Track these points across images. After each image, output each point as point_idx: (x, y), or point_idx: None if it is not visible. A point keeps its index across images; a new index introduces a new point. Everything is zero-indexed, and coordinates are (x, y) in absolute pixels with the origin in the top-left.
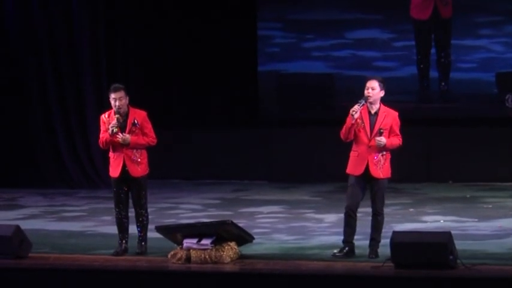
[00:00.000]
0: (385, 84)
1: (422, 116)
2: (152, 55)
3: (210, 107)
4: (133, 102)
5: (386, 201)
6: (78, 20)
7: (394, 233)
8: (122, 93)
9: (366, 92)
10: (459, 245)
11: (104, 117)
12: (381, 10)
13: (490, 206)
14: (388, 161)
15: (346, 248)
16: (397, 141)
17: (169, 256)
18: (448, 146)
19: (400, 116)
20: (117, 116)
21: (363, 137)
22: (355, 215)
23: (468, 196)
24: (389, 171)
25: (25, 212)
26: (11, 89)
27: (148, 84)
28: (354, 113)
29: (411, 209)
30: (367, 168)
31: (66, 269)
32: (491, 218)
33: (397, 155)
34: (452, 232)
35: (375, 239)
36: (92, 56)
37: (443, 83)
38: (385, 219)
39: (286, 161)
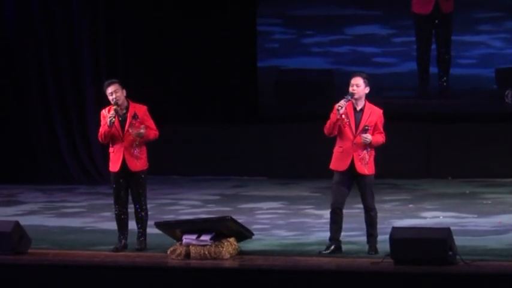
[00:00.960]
0: (369, 80)
1: (421, 112)
2: (152, 52)
3: (210, 102)
4: (133, 99)
5: (386, 197)
6: (78, 20)
7: (394, 229)
8: (116, 86)
9: (350, 88)
10: (458, 241)
11: (104, 112)
12: (380, 6)
13: (490, 202)
14: (373, 157)
15: (333, 246)
16: (381, 138)
17: (168, 252)
18: (448, 142)
19: (385, 113)
20: (115, 107)
21: (348, 133)
22: (341, 212)
23: (467, 192)
24: (374, 168)
25: (24, 208)
26: (11, 85)
27: (148, 80)
28: (339, 107)
29: (410, 205)
30: (352, 165)
31: (65, 265)
32: (491, 214)
33: (396, 151)
34: (452, 228)
35: (372, 235)
36: (92, 52)
37: (443, 79)
38: (385, 215)
39: (286, 156)
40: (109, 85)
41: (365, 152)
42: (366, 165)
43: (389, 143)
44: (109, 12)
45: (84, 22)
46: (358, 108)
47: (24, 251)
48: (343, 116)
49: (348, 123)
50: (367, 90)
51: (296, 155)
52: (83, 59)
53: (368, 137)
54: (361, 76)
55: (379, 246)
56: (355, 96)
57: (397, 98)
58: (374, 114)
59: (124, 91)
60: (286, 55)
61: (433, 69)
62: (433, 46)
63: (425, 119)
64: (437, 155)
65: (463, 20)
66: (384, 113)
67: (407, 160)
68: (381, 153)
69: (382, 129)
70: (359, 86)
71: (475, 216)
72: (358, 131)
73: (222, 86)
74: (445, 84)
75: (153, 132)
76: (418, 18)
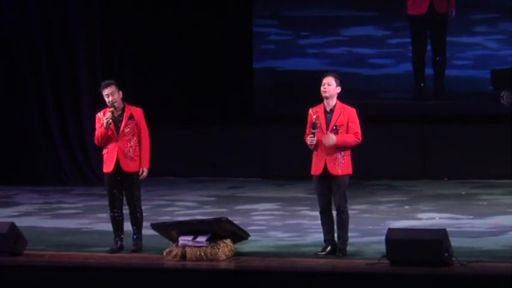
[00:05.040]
0: (341, 81)
1: (417, 113)
2: (147, 52)
3: (206, 103)
4: (129, 100)
5: (381, 199)
6: (73, 21)
7: (390, 230)
8: (113, 88)
9: (322, 88)
10: (454, 242)
11: (99, 114)
12: (376, 7)
13: (485, 203)
14: (348, 157)
15: (329, 247)
16: (352, 138)
17: (164, 253)
18: (443, 143)
19: (380, 114)
20: (111, 109)
21: (320, 136)
22: (329, 213)
23: (463, 193)
24: (350, 167)
25: (20, 209)
26: (7, 87)
27: (144, 82)
28: (310, 145)
29: (406, 206)
30: (325, 167)
31: (61, 266)
32: (487, 215)
33: (391, 152)
34: (448, 229)
35: (341, 238)
36: (88, 54)
37: (438, 80)
38: (381, 216)
39: (281, 158)
40: (106, 87)
41: (337, 153)
42: (339, 166)
43: (385, 144)
44: (105, 14)
45: (79, 23)
46: (329, 108)
47: (20, 252)
48: (315, 120)
49: (319, 125)
50: (338, 89)
51: (292, 156)
52: (79, 60)
53: (329, 137)
54: (333, 76)
55: (375, 247)
56: (326, 95)
57: (392, 99)
58: (344, 114)
59: (120, 93)
60: (282, 56)
61: (429, 71)
62: (428, 47)
63: (420, 120)
64: (432, 156)
65: (458, 21)
66: (380, 114)
67: (403, 161)
68: (377, 154)
69: (356, 129)
70: (330, 84)
71: (471, 217)
72: (328, 131)
73: (218, 86)
74: (440, 85)
75: (147, 139)
76: (413, 19)
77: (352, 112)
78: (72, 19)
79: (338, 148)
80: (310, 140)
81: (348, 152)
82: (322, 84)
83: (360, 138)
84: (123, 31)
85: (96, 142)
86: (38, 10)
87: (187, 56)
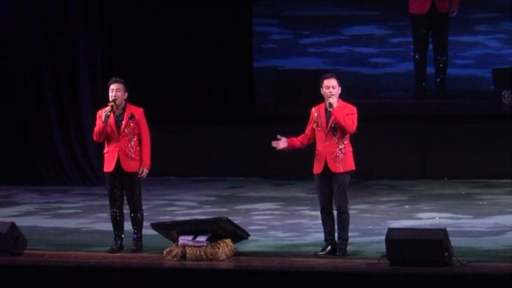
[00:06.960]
0: (339, 80)
1: (418, 112)
2: (148, 52)
3: (206, 103)
4: (129, 100)
5: (382, 198)
6: (73, 19)
7: (390, 229)
8: (120, 86)
9: (327, 91)
10: (454, 241)
11: (100, 112)
12: (377, 6)
13: (486, 202)
14: (350, 154)
15: (329, 247)
16: (349, 121)
17: (164, 253)
18: (444, 142)
19: (381, 114)
20: (111, 103)
21: (321, 134)
22: (330, 213)
23: (463, 193)
24: (352, 164)
25: (20, 208)
26: (7, 86)
27: (144, 80)
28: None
29: (406, 206)
30: (326, 165)
31: (61, 266)
32: (487, 215)
33: (392, 152)
34: (448, 229)
35: (342, 237)
36: (88, 54)
37: (439, 79)
38: (381, 216)
39: (282, 157)
40: (114, 82)
41: (338, 149)
42: (340, 163)
43: (385, 144)
44: (105, 13)
45: (80, 22)
46: (330, 108)
47: (20, 252)
48: (316, 118)
49: (320, 124)
50: (340, 90)
51: (292, 156)
52: (79, 60)
53: (334, 100)
54: (335, 77)
55: (375, 247)
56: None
57: (393, 98)
58: (345, 111)
59: (126, 94)
60: (283, 55)
61: (430, 70)
62: (430, 46)
63: (421, 119)
64: (433, 156)
65: (459, 20)
66: (381, 114)
67: (404, 161)
68: (377, 154)
69: (353, 119)
70: (335, 87)
71: (471, 217)
72: (328, 129)
73: (218, 86)
74: (441, 84)
75: (148, 142)
76: (415, 18)
77: (352, 109)
78: (72, 19)
79: (338, 145)
80: (333, 100)
81: (350, 149)
82: (327, 87)
83: (354, 129)
84: (123, 31)
85: (94, 137)
86: (38, 10)
87: (188, 56)
